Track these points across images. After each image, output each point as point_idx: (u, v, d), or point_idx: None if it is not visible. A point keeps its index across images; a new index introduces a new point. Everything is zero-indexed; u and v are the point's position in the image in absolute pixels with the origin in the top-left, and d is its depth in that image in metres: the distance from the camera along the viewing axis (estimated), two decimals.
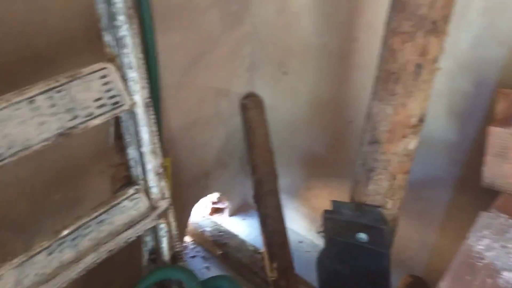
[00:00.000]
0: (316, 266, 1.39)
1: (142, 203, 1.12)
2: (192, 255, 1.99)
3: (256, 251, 1.83)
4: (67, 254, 0.97)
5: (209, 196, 2.09)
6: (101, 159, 1.34)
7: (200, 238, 2.00)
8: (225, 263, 1.92)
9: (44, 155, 1.16)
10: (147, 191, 1.13)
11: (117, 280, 1.56)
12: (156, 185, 1.12)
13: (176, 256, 1.22)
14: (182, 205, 1.83)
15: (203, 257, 1.97)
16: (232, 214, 2.25)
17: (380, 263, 1.25)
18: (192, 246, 2.04)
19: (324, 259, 1.35)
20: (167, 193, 1.16)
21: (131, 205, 1.10)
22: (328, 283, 1.36)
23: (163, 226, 1.17)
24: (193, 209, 1.92)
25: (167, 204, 1.16)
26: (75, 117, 0.91)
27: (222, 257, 1.90)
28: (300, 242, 2.08)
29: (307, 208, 2.05)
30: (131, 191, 1.11)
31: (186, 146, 1.70)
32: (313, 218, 2.05)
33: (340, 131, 1.75)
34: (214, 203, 2.23)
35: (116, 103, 0.98)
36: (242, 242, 1.90)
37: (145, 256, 1.24)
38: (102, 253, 1.02)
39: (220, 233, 1.95)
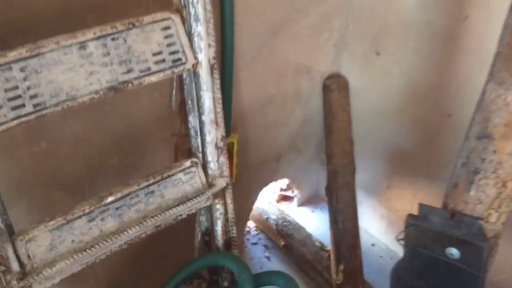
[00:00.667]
0: (390, 277, 1.19)
1: (197, 179, 1.01)
2: (254, 241, 1.87)
3: (322, 248, 1.66)
4: (110, 223, 0.89)
5: (278, 181, 1.94)
6: (164, 127, 1.25)
7: (264, 225, 1.87)
8: (287, 255, 1.77)
9: (102, 115, 1.09)
10: (204, 166, 1.01)
11: (171, 256, 1.48)
12: (215, 160, 1.00)
13: (231, 242, 1.10)
14: (248, 187, 1.71)
15: (265, 246, 1.84)
16: (300, 204, 2.09)
17: (471, 287, 1.02)
18: (255, 233, 1.92)
19: (402, 271, 1.15)
20: (226, 171, 1.03)
21: (185, 179, 0.99)
22: None
23: (219, 207, 1.05)
24: (259, 194, 1.79)
25: (225, 183, 1.03)
26: (129, 71, 0.81)
27: (284, 248, 1.76)
28: (373, 245, 1.85)
29: (386, 208, 1.81)
30: (187, 163, 1.00)
31: (258, 124, 1.56)
32: (391, 220, 1.81)
33: (436, 125, 1.50)
34: (282, 190, 2.08)
35: (178, 60, 0.87)
36: (308, 236, 1.73)
37: (198, 237, 1.13)
38: (148, 227, 0.93)
39: (286, 223, 1.80)
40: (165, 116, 1.22)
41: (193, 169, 1.00)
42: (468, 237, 0.98)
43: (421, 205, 1.06)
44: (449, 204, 1.03)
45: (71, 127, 1.03)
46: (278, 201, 2.10)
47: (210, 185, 1.02)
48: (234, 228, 1.09)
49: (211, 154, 0.98)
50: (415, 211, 1.08)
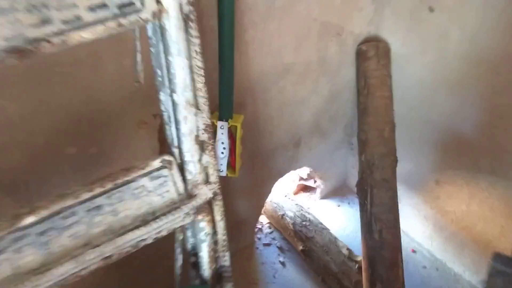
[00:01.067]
0: None
1: (171, 186, 0.69)
2: (266, 242, 1.56)
3: (351, 257, 1.33)
4: (29, 256, 0.58)
5: (297, 170, 1.61)
6: (141, 105, 0.93)
7: (279, 223, 1.55)
8: (306, 262, 1.46)
9: (50, 89, 0.78)
10: (182, 168, 0.69)
11: (158, 267, 1.20)
12: (195, 160, 0.67)
13: (222, 274, 0.78)
14: (259, 179, 1.39)
15: (279, 248, 1.53)
16: (324, 196, 1.75)
17: None
18: (268, 231, 1.61)
19: None
20: (214, 175, 0.70)
21: (152, 187, 0.67)
22: None
23: (203, 225, 0.73)
24: (274, 185, 1.47)
25: (211, 193, 0.70)
26: (45, 22, 0.48)
27: (303, 254, 1.44)
28: (414, 251, 1.52)
29: (432, 208, 1.46)
30: (155, 163, 0.67)
31: (271, 102, 1.22)
32: (438, 222, 1.46)
33: (507, 105, 1.12)
34: (302, 179, 1.75)
35: (128, 4, 0.53)
36: (333, 241, 1.40)
37: (178, 261, 0.82)
38: (90, 261, 0.62)
39: (305, 222, 1.48)
40: (143, 90, 0.90)
41: (165, 171, 0.68)
42: None
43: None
44: None
45: (14, 108, 0.73)
46: (296, 192, 1.77)
47: (189, 195, 0.70)
48: (227, 254, 0.77)
49: (189, 151, 0.66)
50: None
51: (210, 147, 0.67)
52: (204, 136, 0.66)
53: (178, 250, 0.82)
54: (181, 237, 0.80)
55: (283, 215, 1.53)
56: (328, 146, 1.57)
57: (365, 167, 1.21)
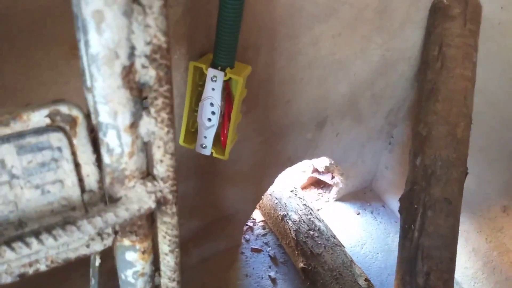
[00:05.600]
0: None
1: (64, 174, 0.32)
2: (256, 246, 1.21)
3: None
4: None
5: (313, 160, 1.25)
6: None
7: (278, 225, 1.20)
8: (306, 286, 1.11)
9: None
10: (95, 139, 0.32)
11: None
12: (122, 125, 0.30)
13: None
14: (263, 163, 1.03)
15: (272, 258, 1.19)
16: (341, 198, 1.39)
17: None
18: (261, 231, 1.26)
19: None
20: (164, 164, 0.33)
21: (22, 169, 0.31)
22: None
23: (132, 259, 0.37)
24: (279, 174, 1.11)
25: (153, 199, 0.34)
26: None
27: (303, 274, 1.09)
28: None
29: (489, 241, 1.10)
30: (35, 116, 0.31)
31: (298, 54, 0.84)
32: (497, 266, 1.10)
33: None
34: (317, 171, 1.38)
35: None
36: (348, 265, 1.05)
37: None
38: None
39: (313, 232, 1.12)
40: None
41: (55, 138, 0.31)
42: None
43: None
44: None
45: None
46: (305, 187, 1.41)
47: (108, 198, 0.34)
48: None
49: (109, 101, 0.29)
50: None
51: (160, 100, 0.30)
52: (148, 73, 0.29)
53: (92, 282, 0.47)
54: (97, 263, 0.44)
55: (285, 216, 1.17)
56: (361, 135, 1.19)
57: (419, 175, 0.84)
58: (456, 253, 0.82)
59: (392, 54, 1.01)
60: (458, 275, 1.20)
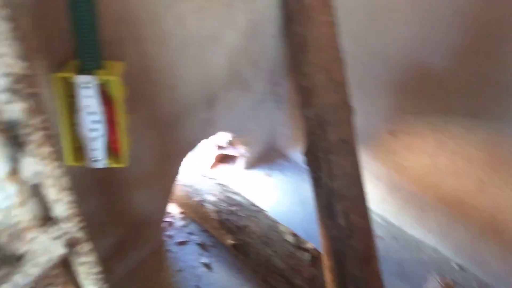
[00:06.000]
0: None
1: None
2: (181, 240, 1.19)
3: (300, 245, 1.03)
4: None
5: (211, 138, 1.24)
6: None
7: (197, 212, 1.18)
8: (240, 260, 1.13)
9: None
10: None
11: None
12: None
13: None
14: (162, 156, 0.99)
15: (201, 245, 1.18)
16: (249, 166, 1.42)
17: None
18: (182, 223, 1.23)
19: None
20: (63, 203, 0.29)
21: None
22: None
23: None
24: (182, 162, 1.08)
25: (63, 244, 0.30)
26: None
27: (235, 250, 1.10)
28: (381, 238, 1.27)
29: (387, 165, 1.22)
30: None
31: (168, 37, 0.81)
32: (393, 182, 1.23)
33: (497, 23, 0.88)
34: (221, 148, 1.38)
35: None
36: (273, 225, 1.09)
37: None
38: None
39: (233, 207, 1.13)
40: None
41: None
42: None
43: None
44: None
45: None
46: (214, 166, 1.41)
47: (15, 256, 0.29)
48: None
49: None
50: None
51: (37, 134, 0.26)
52: (14, 108, 0.25)
53: None
54: None
55: (202, 201, 1.16)
56: (251, 102, 1.21)
57: (314, 125, 0.88)
58: (364, 186, 0.89)
59: (256, 15, 1.02)
60: (370, 203, 1.31)
